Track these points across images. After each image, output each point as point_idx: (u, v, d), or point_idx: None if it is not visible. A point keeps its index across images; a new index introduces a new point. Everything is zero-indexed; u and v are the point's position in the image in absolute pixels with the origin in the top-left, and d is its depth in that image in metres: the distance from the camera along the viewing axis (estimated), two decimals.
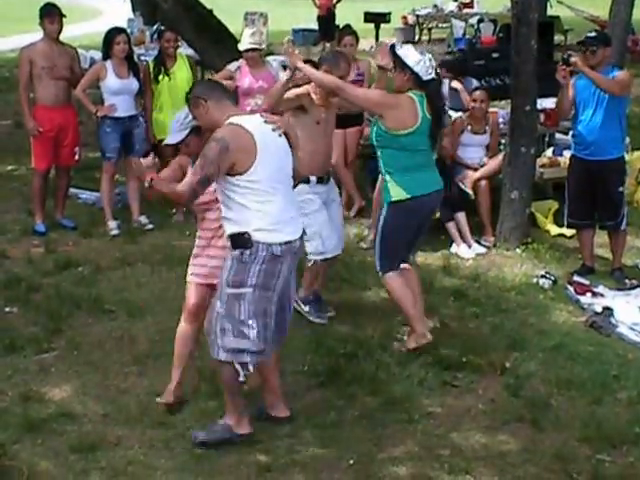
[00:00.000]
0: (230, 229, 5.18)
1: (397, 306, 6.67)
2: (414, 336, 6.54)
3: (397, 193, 6.41)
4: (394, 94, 6.45)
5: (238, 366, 5.24)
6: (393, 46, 6.47)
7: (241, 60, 9.20)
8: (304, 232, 5.46)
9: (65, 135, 9.16)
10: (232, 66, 9.28)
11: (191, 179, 5.10)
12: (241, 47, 9.10)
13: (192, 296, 5.76)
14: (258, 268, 5.11)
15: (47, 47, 8.99)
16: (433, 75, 6.34)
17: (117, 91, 9.08)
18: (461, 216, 8.78)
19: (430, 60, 6.34)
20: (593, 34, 7.95)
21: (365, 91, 7.17)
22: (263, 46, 9.35)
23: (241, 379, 5.29)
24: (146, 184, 5.24)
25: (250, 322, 5.17)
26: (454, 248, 8.65)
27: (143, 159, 5.37)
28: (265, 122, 5.25)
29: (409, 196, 6.39)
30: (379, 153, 6.50)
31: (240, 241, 5.12)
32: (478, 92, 9.29)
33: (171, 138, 5.69)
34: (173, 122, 5.67)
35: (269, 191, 5.12)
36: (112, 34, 9.18)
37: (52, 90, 8.96)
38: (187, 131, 5.55)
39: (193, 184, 5.07)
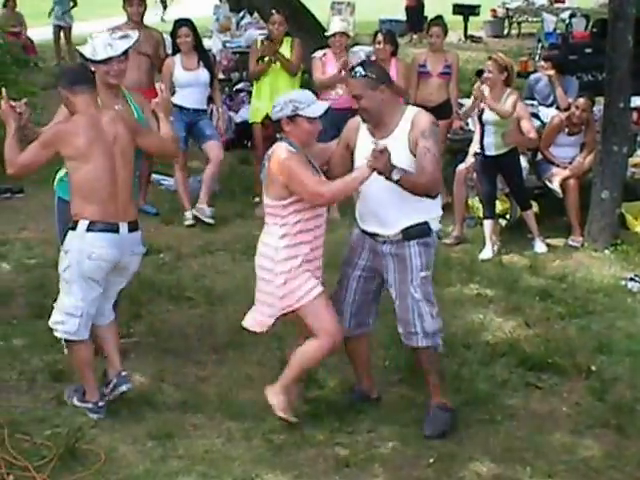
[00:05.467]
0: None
1: None
2: None
3: None
4: None
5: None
6: None
7: (327, 49, 9.13)
8: None
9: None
10: (318, 54, 9.21)
11: None
12: (329, 32, 9.03)
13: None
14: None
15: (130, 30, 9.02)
16: None
17: (185, 83, 9.05)
18: (530, 213, 8.61)
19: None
20: None
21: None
22: (351, 34, 9.25)
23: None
24: None
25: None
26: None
27: None
28: None
29: None
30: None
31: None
32: (582, 100, 8.94)
33: None
34: None
35: None
36: (175, 28, 9.18)
37: (134, 73, 8.87)
38: None
39: None
